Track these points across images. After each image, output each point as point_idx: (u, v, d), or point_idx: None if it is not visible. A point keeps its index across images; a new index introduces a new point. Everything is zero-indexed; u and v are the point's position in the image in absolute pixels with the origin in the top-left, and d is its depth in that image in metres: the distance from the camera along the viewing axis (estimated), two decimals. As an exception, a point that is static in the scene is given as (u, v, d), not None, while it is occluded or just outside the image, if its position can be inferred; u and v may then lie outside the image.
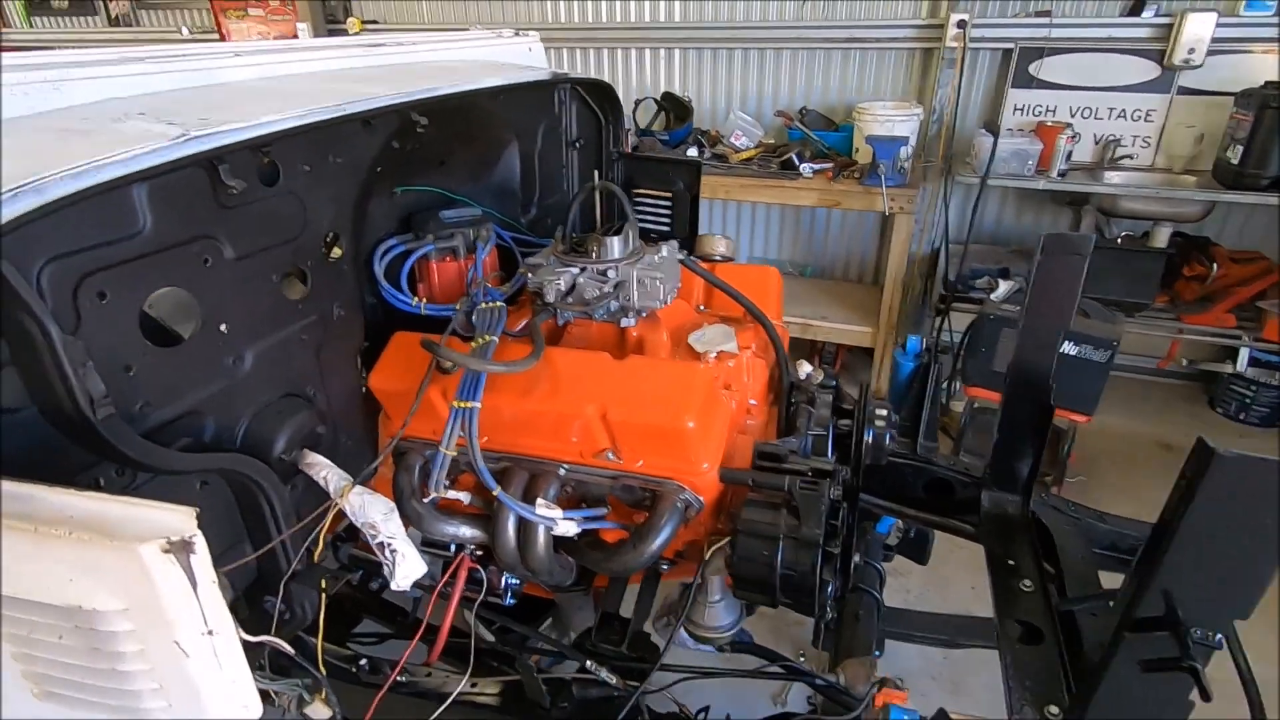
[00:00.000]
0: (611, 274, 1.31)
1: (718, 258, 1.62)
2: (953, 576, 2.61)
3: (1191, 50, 3.22)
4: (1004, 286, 2.96)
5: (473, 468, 1.11)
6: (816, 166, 3.46)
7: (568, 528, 1.13)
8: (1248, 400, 3.41)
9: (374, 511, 1.07)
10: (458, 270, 1.44)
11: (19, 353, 0.76)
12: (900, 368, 1.74)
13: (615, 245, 1.31)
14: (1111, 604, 1.09)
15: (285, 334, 1.08)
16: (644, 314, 1.35)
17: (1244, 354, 3.28)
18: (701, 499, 1.17)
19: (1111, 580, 1.52)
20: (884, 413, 1.31)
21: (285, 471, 1.07)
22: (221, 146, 0.89)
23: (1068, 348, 2.84)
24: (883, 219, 3.88)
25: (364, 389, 1.28)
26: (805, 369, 1.35)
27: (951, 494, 1.71)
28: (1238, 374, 3.34)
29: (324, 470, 1.09)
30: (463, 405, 1.11)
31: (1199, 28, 3.19)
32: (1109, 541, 1.69)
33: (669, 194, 2.11)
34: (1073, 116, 3.48)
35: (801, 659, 1.96)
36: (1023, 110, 3.53)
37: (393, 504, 1.10)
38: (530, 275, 1.30)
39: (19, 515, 0.69)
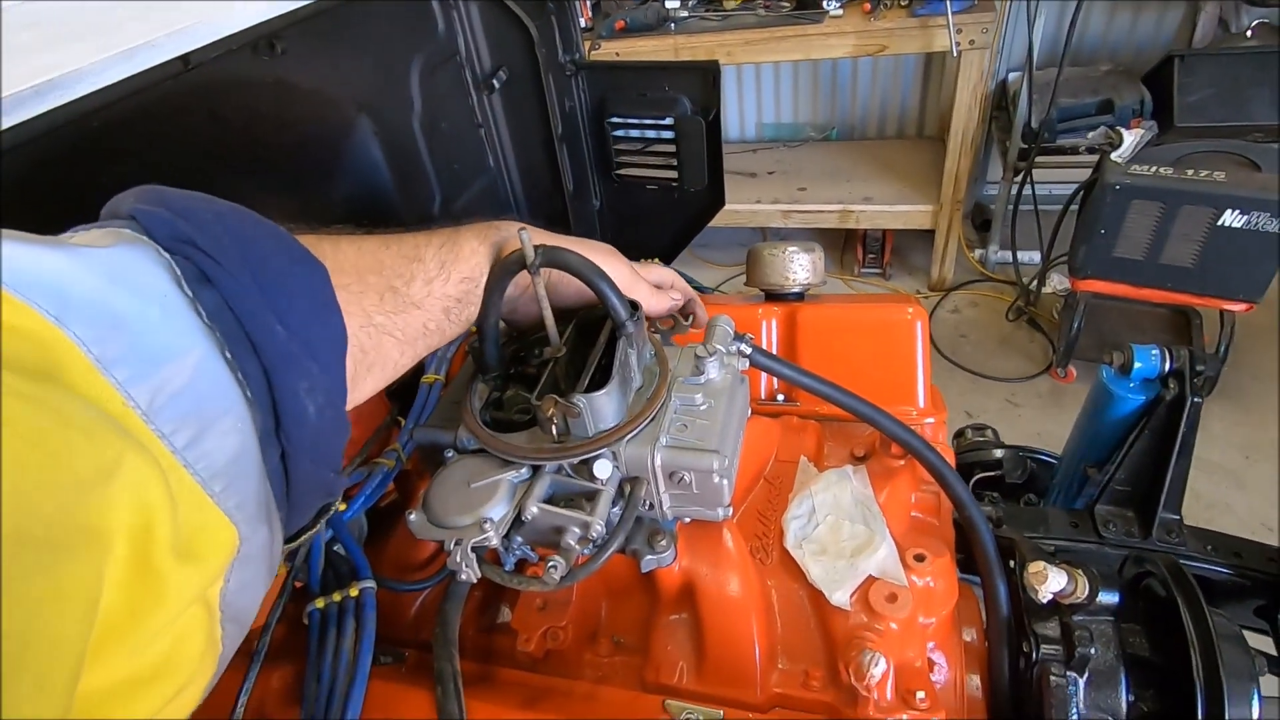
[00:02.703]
0: (605, 468, 0.54)
1: (795, 290, 0.81)
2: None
3: None
4: (1129, 138, 2.05)
5: None
6: (845, -3, 2.43)
7: None
8: None
9: None
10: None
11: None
12: (1115, 401, 0.99)
13: (606, 407, 0.53)
14: None
15: None
16: (686, 521, 0.59)
17: None
18: None
19: None
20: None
21: None
22: None
23: (1232, 219, 2.00)
24: (928, 55, 2.86)
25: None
26: (1056, 580, 0.60)
27: (1207, 592, 1.02)
28: None
29: None
30: None
31: None
32: None
33: (669, 121, 1.23)
34: None
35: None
36: None
37: None
38: (412, 516, 0.53)
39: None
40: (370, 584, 0.56)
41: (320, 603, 0.54)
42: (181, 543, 0.30)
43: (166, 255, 0.34)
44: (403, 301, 0.47)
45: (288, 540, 0.43)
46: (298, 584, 0.59)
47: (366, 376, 0.46)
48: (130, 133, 0.52)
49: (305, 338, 0.37)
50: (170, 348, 0.31)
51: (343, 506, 0.62)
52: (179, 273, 0.33)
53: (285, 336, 0.36)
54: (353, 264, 0.46)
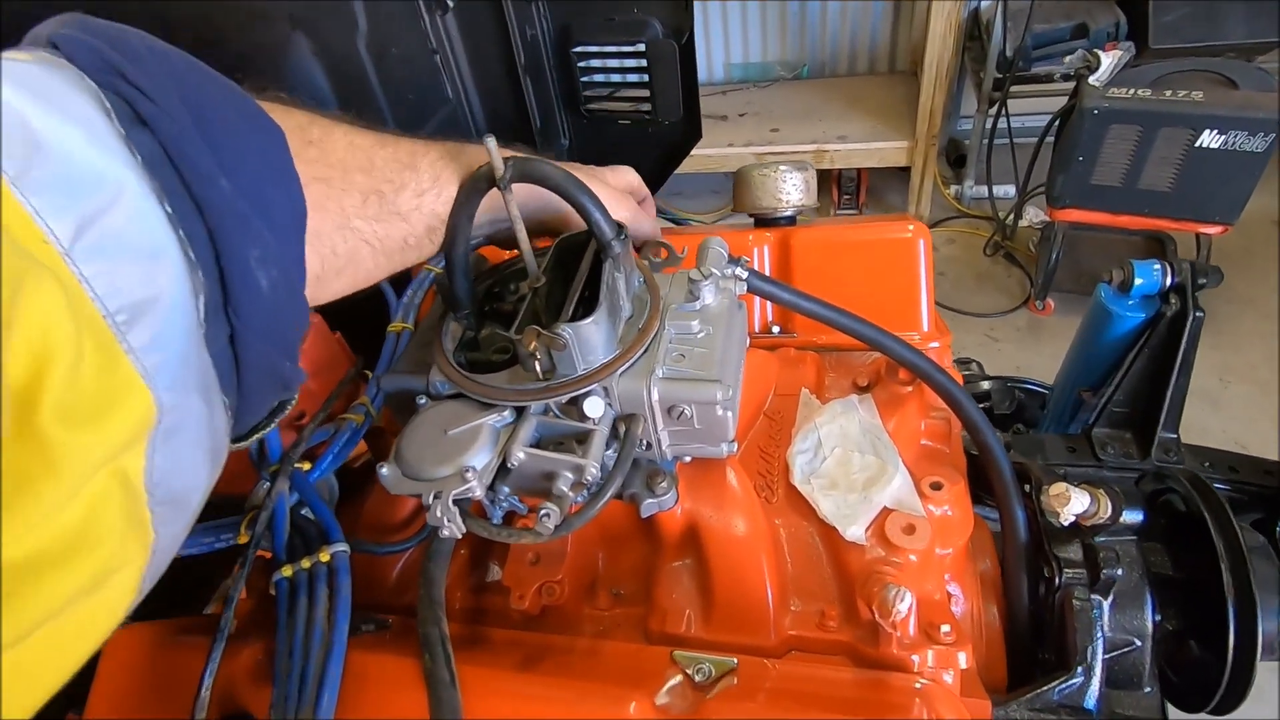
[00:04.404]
0: (597, 406, 0.49)
1: (787, 214, 0.75)
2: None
3: None
4: (1107, 60, 2.00)
5: None
6: (814, -78, 2.31)
7: None
8: (1384, 143, 2.57)
9: None
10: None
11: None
12: (1114, 321, 0.96)
13: (594, 338, 0.48)
14: None
15: None
16: (687, 460, 0.54)
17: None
18: None
19: None
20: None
21: None
22: None
23: (1209, 139, 1.97)
24: (900, -19, 2.77)
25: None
26: (1079, 502, 0.56)
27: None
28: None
29: None
30: None
31: None
32: None
33: (640, 47, 1.15)
34: None
35: None
36: None
37: None
38: (384, 470, 0.47)
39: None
40: (342, 547, 0.50)
41: (288, 571, 0.48)
42: (79, 401, 0.25)
43: (93, 84, 0.28)
44: (388, 209, 0.43)
45: (241, 438, 0.39)
46: (263, 553, 0.54)
47: (335, 279, 0.41)
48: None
49: (257, 199, 0.32)
50: (97, 179, 0.27)
51: (307, 466, 0.56)
52: (108, 106, 0.28)
53: (232, 191, 0.31)
54: (340, 157, 0.41)
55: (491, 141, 0.45)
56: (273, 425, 0.41)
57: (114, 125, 0.28)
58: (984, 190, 2.67)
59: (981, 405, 1.39)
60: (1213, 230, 2.03)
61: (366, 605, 0.60)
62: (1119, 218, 2.11)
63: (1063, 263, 2.33)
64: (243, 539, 0.52)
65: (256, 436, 0.40)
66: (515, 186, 0.46)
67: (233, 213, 0.31)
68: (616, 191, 0.55)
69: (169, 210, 0.29)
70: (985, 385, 1.36)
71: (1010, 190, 2.64)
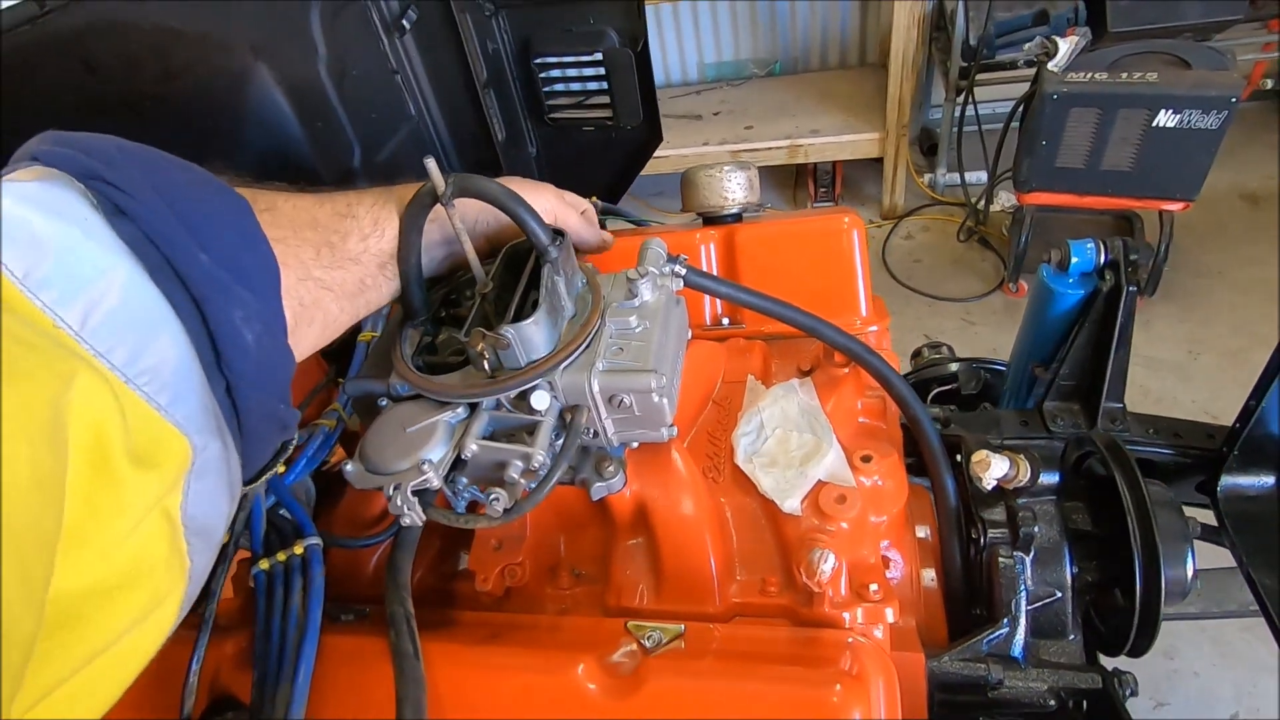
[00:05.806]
0: (542, 399, 0.53)
1: (733, 211, 0.80)
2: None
3: None
4: (1065, 46, 2.05)
5: None
6: (774, -78, 2.36)
7: None
8: (1343, 113, 2.64)
9: None
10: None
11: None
12: (1056, 298, 1.01)
13: (535, 336, 0.52)
14: None
15: None
16: (634, 446, 0.59)
17: (1352, 56, 2.45)
18: None
19: None
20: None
21: None
22: None
23: (1165, 118, 2.02)
24: (864, -25, 2.82)
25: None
26: (999, 467, 0.61)
27: (1150, 473, 1.05)
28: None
29: None
30: None
31: None
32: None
33: (597, 56, 1.19)
34: None
35: None
36: None
37: None
38: (348, 466, 0.52)
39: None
40: (315, 540, 0.54)
41: (265, 564, 0.53)
42: (136, 451, 0.30)
43: (80, 184, 0.33)
44: (340, 257, 0.48)
45: (251, 480, 0.43)
46: (245, 552, 0.58)
47: (307, 330, 0.46)
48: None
49: (233, 266, 0.37)
50: (96, 267, 0.31)
51: (282, 469, 0.60)
52: (94, 201, 0.33)
53: (210, 264, 0.35)
54: (288, 218, 0.46)
55: (431, 163, 0.49)
56: (278, 465, 0.45)
57: (102, 217, 0.33)
58: (956, 177, 2.73)
59: (949, 387, 1.44)
60: (1174, 206, 2.09)
61: (346, 598, 0.64)
62: (1084, 198, 2.16)
63: (1033, 245, 2.38)
64: (223, 538, 0.56)
65: (265, 478, 0.45)
66: (470, 204, 0.51)
67: (214, 282, 0.35)
68: (559, 201, 0.60)
69: (158, 285, 0.34)
70: (953, 367, 1.41)
71: (982, 176, 2.69)
